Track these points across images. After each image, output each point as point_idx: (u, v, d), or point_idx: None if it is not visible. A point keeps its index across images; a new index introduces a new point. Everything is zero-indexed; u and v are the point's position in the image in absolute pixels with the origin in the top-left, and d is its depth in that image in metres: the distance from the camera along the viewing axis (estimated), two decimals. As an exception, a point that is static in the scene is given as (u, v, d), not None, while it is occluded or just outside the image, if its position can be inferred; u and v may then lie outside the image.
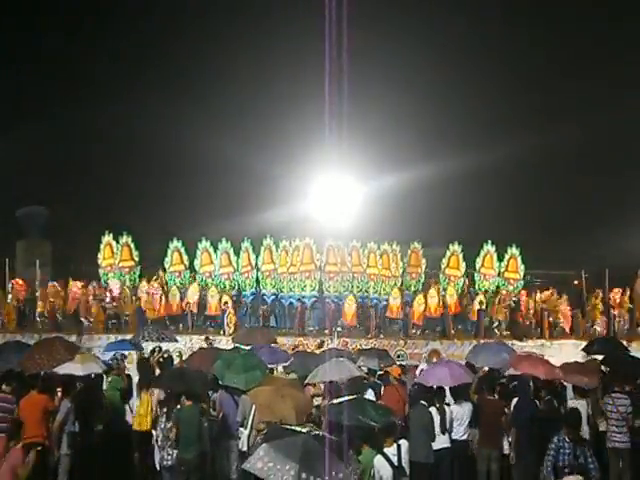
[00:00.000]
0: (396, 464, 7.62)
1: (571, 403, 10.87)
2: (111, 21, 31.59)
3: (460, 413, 10.34)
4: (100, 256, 22.19)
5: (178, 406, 9.59)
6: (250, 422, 9.64)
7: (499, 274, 22.47)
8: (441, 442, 9.92)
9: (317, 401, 10.54)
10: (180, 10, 31.44)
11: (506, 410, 10.44)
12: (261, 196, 27.71)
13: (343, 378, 10.29)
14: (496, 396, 10.69)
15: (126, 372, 12.66)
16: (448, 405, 10.34)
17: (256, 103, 29.61)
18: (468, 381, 10.71)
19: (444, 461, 9.93)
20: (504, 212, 29.29)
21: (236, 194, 28.74)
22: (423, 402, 10.17)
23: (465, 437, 10.37)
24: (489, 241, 22.63)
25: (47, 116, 29.03)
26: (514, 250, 22.50)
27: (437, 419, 9.98)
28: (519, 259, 22.40)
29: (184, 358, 14.69)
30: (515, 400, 10.52)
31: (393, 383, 11.94)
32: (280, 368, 12.80)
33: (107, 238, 22.25)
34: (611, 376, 11.55)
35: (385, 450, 7.64)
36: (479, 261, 22.65)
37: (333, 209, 24.66)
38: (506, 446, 10.35)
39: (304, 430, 6.81)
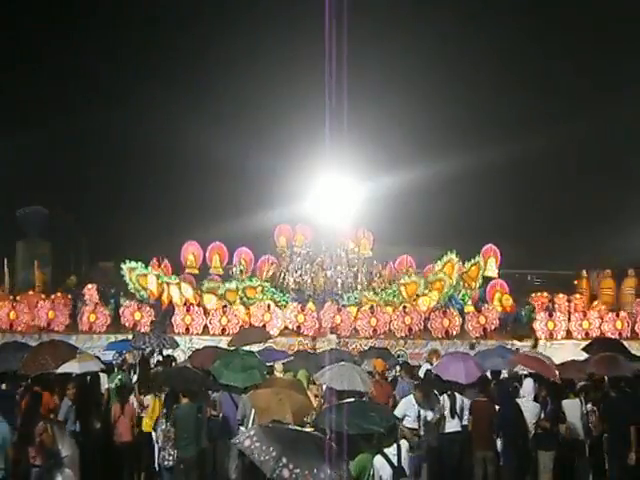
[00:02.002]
0: (396, 464, 7.62)
1: (564, 402, 10.89)
2: (112, 24, 31.59)
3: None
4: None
5: (175, 405, 9.65)
6: (250, 422, 9.65)
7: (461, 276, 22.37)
8: (451, 426, 10.58)
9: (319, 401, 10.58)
10: (179, 11, 31.44)
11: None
12: (260, 197, 27.72)
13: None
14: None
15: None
16: (462, 392, 10.81)
17: (256, 104, 29.60)
18: (479, 375, 11.04)
19: (453, 443, 10.55)
20: (504, 212, 29.29)
21: (235, 195, 28.74)
22: (435, 392, 10.76)
23: None
24: (454, 250, 22.35)
25: (48, 117, 29.02)
26: (480, 259, 22.22)
27: (447, 404, 10.62)
28: (481, 271, 22.20)
29: (185, 358, 14.77)
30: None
31: (376, 378, 12.10)
32: (278, 366, 12.79)
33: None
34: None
35: (385, 450, 7.64)
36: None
37: (333, 210, 24.68)
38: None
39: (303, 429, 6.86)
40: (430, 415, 10.44)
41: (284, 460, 6.06)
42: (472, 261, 22.19)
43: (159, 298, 20.52)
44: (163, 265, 22.08)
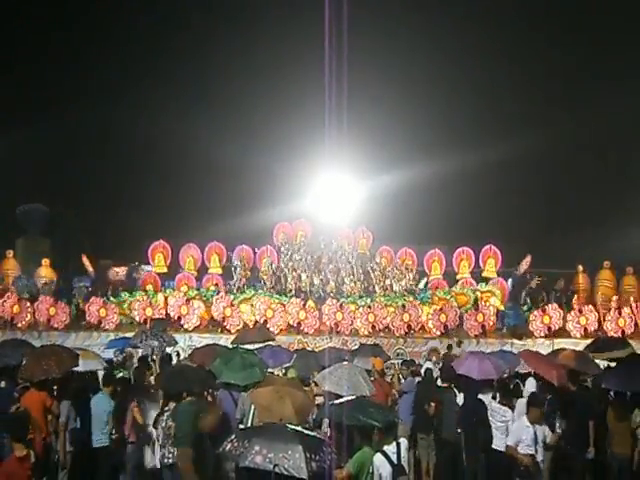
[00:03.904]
0: (395, 462, 7.64)
1: None
2: (113, 22, 31.58)
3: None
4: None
5: (170, 404, 9.70)
6: (250, 420, 9.64)
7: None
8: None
9: (317, 400, 10.56)
10: (180, 11, 31.43)
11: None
12: (260, 196, 27.74)
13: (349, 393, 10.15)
14: None
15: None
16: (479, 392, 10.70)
17: (256, 103, 29.62)
18: (493, 377, 10.99)
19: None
20: (504, 211, 29.31)
21: (234, 194, 28.75)
22: (455, 389, 10.98)
23: None
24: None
25: (48, 115, 29.03)
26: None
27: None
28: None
29: (185, 356, 14.77)
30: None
31: (375, 377, 12.09)
32: (277, 371, 12.80)
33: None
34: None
35: (385, 448, 7.66)
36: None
37: (332, 208, 24.71)
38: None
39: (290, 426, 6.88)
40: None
41: (257, 447, 6.15)
42: (485, 287, 21.79)
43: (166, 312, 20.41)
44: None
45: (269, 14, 30.10)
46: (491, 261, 22.68)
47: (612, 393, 10.93)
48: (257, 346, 14.54)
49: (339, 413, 7.98)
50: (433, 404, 11.34)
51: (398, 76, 29.77)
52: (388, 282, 21.30)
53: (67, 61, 30.70)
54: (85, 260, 21.97)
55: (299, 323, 19.82)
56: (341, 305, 20.05)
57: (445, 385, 11.71)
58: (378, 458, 7.56)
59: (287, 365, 13.02)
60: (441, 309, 20.12)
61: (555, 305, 20.42)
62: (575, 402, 10.57)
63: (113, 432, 10.12)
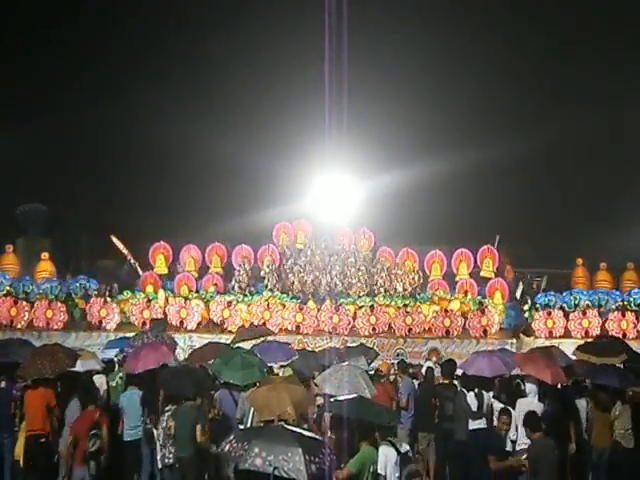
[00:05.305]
0: (402, 451, 7.75)
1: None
2: (111, 21, 31.58)
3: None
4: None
5: (169, 406, 9.71)
6: (250, 421, 9.65)
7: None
8: (477, 423, 10.48)
9: (317, 401, 10.58)
10: (180, 9, 31.44)
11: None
12: (260, 196, 27.72)
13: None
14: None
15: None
16: (488, 392, 10.77)
17: (256, 103, 29.62)
18: (505, 373, 11.21)
19: (478, 439, 10.36)
20: (504, 211, 29.31)
21: (234, 194, 28.74)
22: (463, 389, 10.93)
23: None
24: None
25: (48, 113, 29.03)
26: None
27: (475, 404, 10.54)
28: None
29: (185, 357, 14.77)
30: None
31: (382, 380, 12.16)
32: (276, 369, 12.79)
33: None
34: None
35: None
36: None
37: (332, 208, 24.70)
38: None
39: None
40: None
41: (256, 450, 6.16)
42: (488, 301, 21.36)
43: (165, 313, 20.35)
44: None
45: (269, 13, 30.12)
46: (488, 261, 22.49)
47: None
48: (260, 341, 14.52)
49: (340, 410, 8.01)
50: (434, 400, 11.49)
51: (398, 76, 29.78)
52: (389, 283, 21.24)
53: (66, 61, 30.71)
54: (116, 242, 22.01)
55: (298, 326, 19.78)
56: (338, 307, 19.96)
57: (446, 382, 11.72)
58: (385, 447, 7.62)
59: (287, 362, 13.00)
60: (446, 311, 20.03)
61: (560, 313, 20.34)
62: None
63: (148, 422, 10.44)
